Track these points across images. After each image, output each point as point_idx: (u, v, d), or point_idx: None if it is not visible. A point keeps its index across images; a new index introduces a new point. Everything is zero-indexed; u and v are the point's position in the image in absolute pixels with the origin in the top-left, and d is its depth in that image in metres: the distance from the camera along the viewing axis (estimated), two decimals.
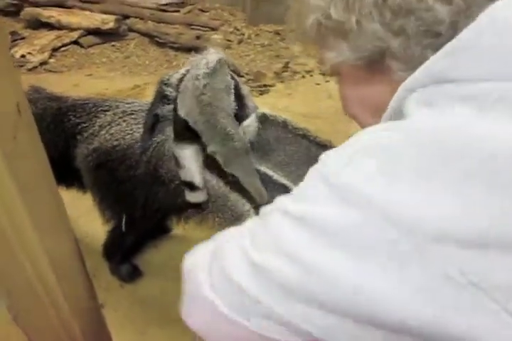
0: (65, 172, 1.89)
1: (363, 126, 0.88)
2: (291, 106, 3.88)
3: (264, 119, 1.58)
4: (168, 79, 1.58)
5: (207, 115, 1.43)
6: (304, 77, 4.36)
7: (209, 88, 1.42)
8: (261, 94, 4.00)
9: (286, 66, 4.42)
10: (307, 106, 3.89)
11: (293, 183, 1.49)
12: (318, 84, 4.28)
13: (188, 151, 1.52)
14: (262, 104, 4.10)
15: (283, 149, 1.52)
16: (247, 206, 1.58)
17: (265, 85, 4.11)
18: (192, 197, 1.60)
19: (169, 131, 1.61)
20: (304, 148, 1.52)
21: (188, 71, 1.51)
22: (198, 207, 1.64)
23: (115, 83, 3.91)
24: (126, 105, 1.81)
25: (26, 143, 0.71)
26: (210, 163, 1.56)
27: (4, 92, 0.63)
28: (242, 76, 4.18)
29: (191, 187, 1.56)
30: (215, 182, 1.59)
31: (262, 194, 1.47)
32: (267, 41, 4.95)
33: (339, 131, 3.62)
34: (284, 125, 1.57)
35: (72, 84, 3.83)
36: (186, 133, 1.49)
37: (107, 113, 1.79)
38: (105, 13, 4.77)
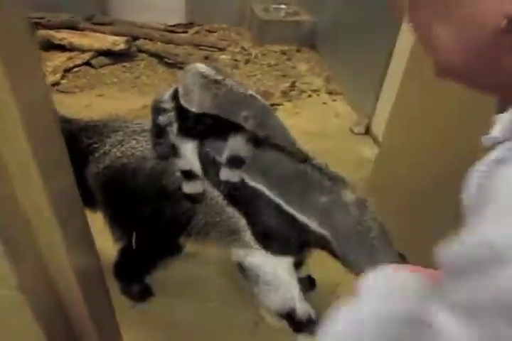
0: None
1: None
2: (298, 124, 3.92)
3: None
4: (161, 97, 1.68)
5: (223, 97, 1.51)
6: (310, 96, 4.43)
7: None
8: None
9: (293, 85, 4.49)
10: (314, 125, 3.94)
11: (286, 203, 1.54)
12: (324, 103, 4.34)
13: (190, 145, 1.60)
14: None
15: (279, 168, 1.56)
16: (243, 221, 1.62)
17: (272, 104, 4.18)
18: (189, 187, 1.64)
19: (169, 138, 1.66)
20: (300, 170, 1.55)
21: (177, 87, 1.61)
22: (194, 200, 1.66)
23: (125, 103, 3.99)
24: (136, 125, 1.87)
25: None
26: (210, 171, 1.63)
27: None
28: None
29: (189, 176, 1.62)
30: (214, 194, 1.64)
31: (300, 148, 1.53)
32: (273, 61, 5.04)
33: (345, 150, 3.66)
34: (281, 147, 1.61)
35: (84, 104, 3.92)
36: (194, 127, 1.58)
37: (118, 133, 1.85)
38: (116, 34, 4.89)
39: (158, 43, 5.12)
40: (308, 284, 2.31)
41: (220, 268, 2.39)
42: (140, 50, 4.98)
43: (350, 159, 3.55)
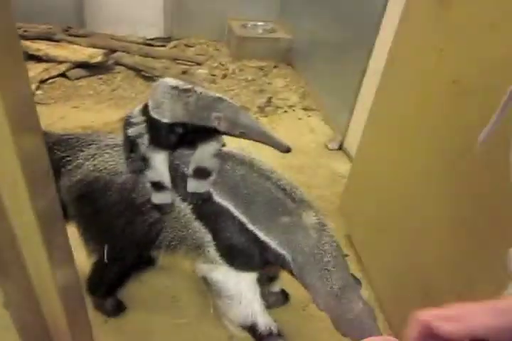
0: None
1: None
2: None
3: (231, 156, 1.71)
4: (131, 112, 1.72)
5: (194, 104, 1.55)
6: (286, 111, 4.51)
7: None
8: None
9: (269, 101, 4.56)
10: (290, 141, 3.91)
11: (250, 222, 1.61)
12: (300, 119, 4.42)
13: (161, 155, 1.64)
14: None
15: (246, 187, 1.63)
16: (208, 237, 1.66)
17: None
18: (158, 198, 1.68)
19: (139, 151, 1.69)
20: (266, 190, 1.63)
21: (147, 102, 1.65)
22: (163, 211, 1.70)
23: (101, 115, 3.97)
24: (109, 139, 1.90)
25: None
26: (179, 184, 1.67)
27: None
28: None
29: (158, 187, 1.66)
30: (182, 207, 1.68)
31: (280, 140, 1.58)
32: (250, 76, 5.12)
33: (320, 165, 3.73)
34: (251, 164, 1.69)
35: (59, 116, 3.88)
36: (166, 137, 1.62)
37: (91, 146, 1.87)
38: (93, 47, 4.88)
39: (136, 56, 5.12)
40: (281, 298, 2.33)
41: (194, 282, 2.38)
42: (117, 63, 4.98)
43: (325, 174, 3.62)
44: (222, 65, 5.32)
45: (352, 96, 3.72)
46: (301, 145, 3.96)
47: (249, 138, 1.60)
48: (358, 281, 1.65)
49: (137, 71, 4.85)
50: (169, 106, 1.59)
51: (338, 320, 1.57)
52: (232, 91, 4.75)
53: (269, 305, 2.12)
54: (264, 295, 2.11)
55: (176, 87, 1.59)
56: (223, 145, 1.78)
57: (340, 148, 3.97)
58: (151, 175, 1.68)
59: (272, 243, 1.60)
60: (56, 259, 0.79)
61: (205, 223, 1.68)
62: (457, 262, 1.77)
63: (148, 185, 1.69)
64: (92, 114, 3.98)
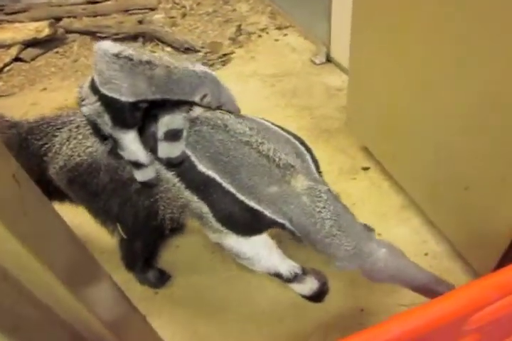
0: (51, 191, 1.88)
1: None
2: (257, 69, 3.75)
3: (204, 120, 1.58)
4: (80, 90, 1.56)
5: (167, 78, 1.45)
6: (260, 36, 4.20)
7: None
8: (224, 65, 3.85)
9: (239, 29, 4.24)
10: (274, 66, 3.76)
11: (238, 191, 1.51)
12: (276, 40, 4.13)
13: (130, 134, 1.51)
14: (228, 75, 3.98)
15: (227, 154, 1.52)
16: (205, 208, 1.59)
17: (225, 54, 3.96)
18: (140, 175, 1.59)
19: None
20: (248, 157, 1.51)
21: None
22: (149, 186, 1.63)
23: (73, 91, 3.72)
24: (78, 119, 1.77)
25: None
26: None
27: None
28: (198, 51, 4.01)
29: (137, 165, 1.57)
30: (169, 176, 1.59)
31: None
32: (211, 8, 4.73)
33: (312, 83, 3.53)
34: (226, 129, 1.55)
35: (30, 103, 3.65)
36: (131, 117, 1.49)
37: (62, 130, 1.78)
38: (36, 20, 4.48)
39: (85, 19, 4.72)
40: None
41: None
42: (68, 31, 4.59)
43: (320, 92, 3.43)
44: (177, 3, 4.90)
45: (325, 1, 3.41)
46: (288, 68, 3.73)
47: (222, 110, 1.58)
48: (369, 228, 1.62)
49: (92, 34, 4.47)
50: (125, 81, 1.41)
51: (370, 273, 1.54)
52: (197, 29, 4.41)
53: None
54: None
55: (126, 57, 1.41)
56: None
57: (328, 60, 3.73)
58: (126, 156, 1.56)
59: (267, 212, 1.53)
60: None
61: (196, 193, 1.59)
62: (489, 153, 1.67)
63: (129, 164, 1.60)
64: (63, 92, 3.73)
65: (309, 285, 1.86)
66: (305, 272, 1.84)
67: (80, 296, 0.69)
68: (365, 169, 2.72)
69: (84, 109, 1.53)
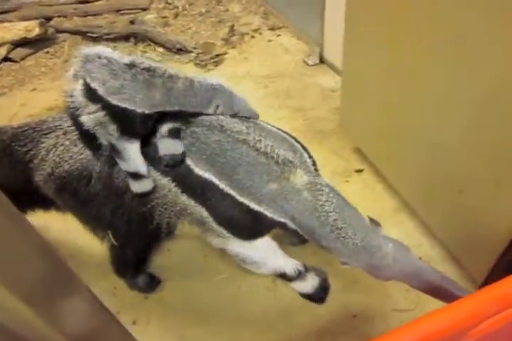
0: (37, 199, 1.87)
1: None
2: (250, 70, 3.72)
3: (198, 122, 1.55)
4: (70, 99, 1.47)
5: (185, 91, 1.46)
6: (253, 37, 4.16)
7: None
8: (216, 66, 3.81)
9: (232, 30, 4.20)
10: (267, 67, 3.73)
11: (238, 193, 1.48)
12: (269, 40, 4.09)
13: (135, 145, 1.48)
14: (220, 76, 3.92)
15: (224, 155, 1.48)
16: (205, 213, 1.56)
17: (217, 55, 3.91)
18: (138, 186, 1.55)
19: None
20: (245, 156, 1.47)
21: (84, 78, 1.41)
22: (146, 196, 1.59)
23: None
24: (65, 124, 1.71)
25: None
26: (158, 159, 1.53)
27: None
28: (191, 51, 3.97)
29: (136, 176, 1.53)
30: (164, 182, 1.56)
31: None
32: (203, 8, 4.68)
33: (306, 84, 3.50)
34: (222, 129, 1.52)
35: (20, 103, 3.58)
36: (143, 127, 1.46)
37: (49, 136, 1.73)
38: (26, 19, 4.41)
39: (75, 18, 4.66)
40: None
41: None
42: (58, 31, 4.53)
43: (314, 93, 3.40)
44: (170, 3, 4.85)
45: (319, 2, 3.38)
46: (281, 69, 3.70)
47: (238, 116, 1.60)
48: (376, 222, 1.58)
49: (82, 34, 4.41)
50: (140, 92, 1.38)
51: (378, 270, 1.51)
52: (189, 30, 4.36)
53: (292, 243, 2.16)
54: (285, 236, 2.11)
55: (144, 69, 1.39)
56: None
57: (321, 61, 3.70)
58: (126, 166, 1.51)
59: (267, 212, 1.49)
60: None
61: (194, 198, 1.55)
62: (484, 155, 1.64)
63: (124, 173, 1.55)
64: (53, 93, 3.67)
65: (311, 281, 1.85)
66: (306, 269, 1.83)
67: (47, 315, 0.64)
68: (359, 171, 2.69)
69: (85, 119, 1.45)
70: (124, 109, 1.39)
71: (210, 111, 1.54)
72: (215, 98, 1.51)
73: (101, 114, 1.41)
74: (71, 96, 1.45)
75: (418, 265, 1.48)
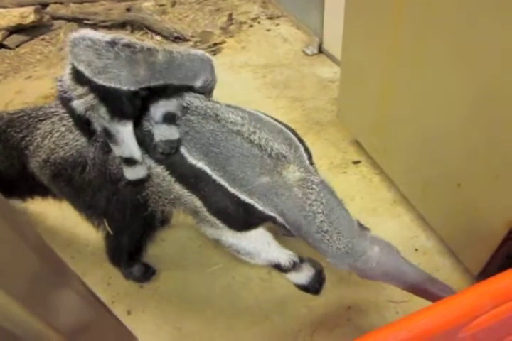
0: (34, 186, 1.87)
1: None
2: (249, 60, 3.68)
3: (194, 109, 1.53)
4: (61, 84, 1.47)
5: (170, 64, 1.43)
6: (251, 26, 4.12)
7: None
8: (214, 55, 3.77)
9: (230, 18, 4.15)
10: (266, 56, 3.69)
11: (230, 184, 1.47)
12: (268, 30, 4.05)
13: (128, 127, 1.46)
14: (218, 65, 3.89)
15: (218, 145, 1.46)
16: (199, 203, 1.54)
17: (215, 44, 3.87)
18: (132, 173, 1.53)
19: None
20: (239, 147, 1.46)
21: (71, 63, 1.40)
22: (140, 184, 1.58)
23: None
24: (61, 111, 1.70)
25: None
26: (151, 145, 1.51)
27: None
28: (188, 40, 3.92)
29: (129, 162, 1.51)
30: (159, 170, 1.54)
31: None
32: None
33: (304, 74, 3.47)
34: (216, 118, 1.50)
35: (15, 91, 3.55)
36: (131, 106, 1.43)
37: (45, 122, 1.72)
38: (21, 6, 4.34)
39: (71, 5, 4.60)
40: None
41: None
42: (54, 17, 4.46)
43: (312, 83, 3.37)
44: None
45: None
46: (279, 58, 3.66)
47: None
48: (364, 227, 1.58)
49: (78, 21, 4.35)
50: (123, 69, 1.36)
51: (362, 272, 1.52)
52: (187, 18, 4.31)
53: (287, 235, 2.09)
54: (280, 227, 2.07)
55: (124, 45, 1.36)
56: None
57: (320, 51, 3.66)
58: (120, 151, 1.48)
59: (258, 205, 1.48)
60: None
61: (187, 187, 1.54)
62: (483, 149, 1.62)
63: (118, 159, 1.53)
64: (49, 81, 3.62)
65: (306, 272, 1.84)
66: (302, 260, 1.83)
67: (39, 310, 0.63)
68: (356, 163, 2.68)
69: (76, 104, 1.44)
70: (110, 88, 1.37)
71: (199, 84, 1.49)
72: (203, 70, 1.47)
73: (90, 97, 1.40)
74: (60, 80, 1.45)
75: (403, 269, 1.48)
